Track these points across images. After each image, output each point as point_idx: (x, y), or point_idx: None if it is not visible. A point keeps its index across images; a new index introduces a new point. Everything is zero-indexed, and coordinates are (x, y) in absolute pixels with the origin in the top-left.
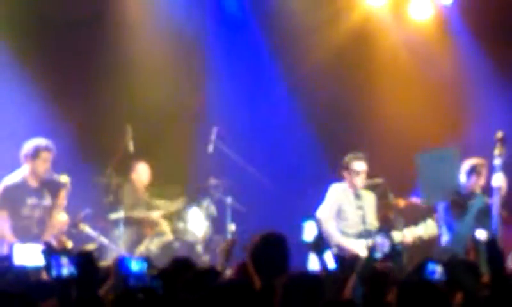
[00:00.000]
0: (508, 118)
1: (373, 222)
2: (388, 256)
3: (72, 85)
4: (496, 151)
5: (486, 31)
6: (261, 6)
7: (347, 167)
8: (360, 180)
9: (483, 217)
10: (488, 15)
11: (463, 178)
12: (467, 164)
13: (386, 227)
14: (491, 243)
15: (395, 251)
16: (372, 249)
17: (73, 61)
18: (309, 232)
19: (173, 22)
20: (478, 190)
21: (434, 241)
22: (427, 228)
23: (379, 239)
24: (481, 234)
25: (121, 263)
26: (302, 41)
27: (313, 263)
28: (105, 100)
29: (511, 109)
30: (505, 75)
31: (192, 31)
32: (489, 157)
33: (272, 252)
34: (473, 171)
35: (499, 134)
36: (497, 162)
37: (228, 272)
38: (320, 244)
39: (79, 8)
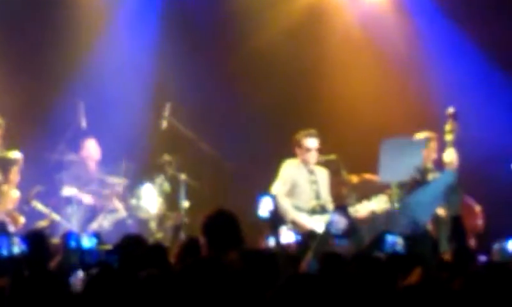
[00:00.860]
0: (462, 93)
1: (327, 198)
2: (345, 234)
3: (24, 60)
4: (448, 127)
5: (442, 7)
6: None
7: (299, 144)
8: (312, 157)
9: (452, 193)
10: None
11: None
12: (417, 137)
13: (343, 204)
14: (455, 221)
15: (353, 229)
16: (328, 226)
17: (25, 35)
18: (264, 207)
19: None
20: (429, 164)
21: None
22: (379, 202)
23: (336, 217)
24: (442, 211)
25: (69, 238)
26: (254, 18)
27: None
28: (57, 75)
29: (468, 85)
30: (461, 52)
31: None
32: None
33: (224, 227)
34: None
35: (450, 110)
36: (448, 137)
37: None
38: (276, 219)
39: None
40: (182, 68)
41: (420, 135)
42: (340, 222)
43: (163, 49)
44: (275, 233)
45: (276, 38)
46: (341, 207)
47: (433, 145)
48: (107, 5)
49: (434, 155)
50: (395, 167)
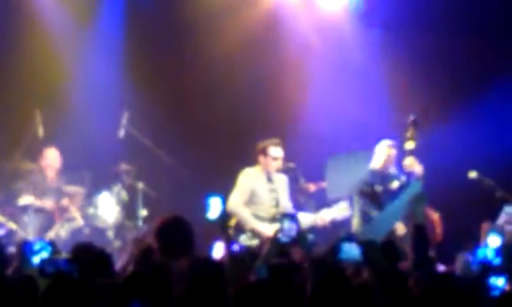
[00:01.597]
0: (423, 103)
1: (287, 204)
2: (294, 240)
3: None
4: (408, 134)
5: (398, 20)
6: None
7: (264, 152)
8: (276, 165)
9: (417, 202)
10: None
11: (375, 161)
12: (378, 146)
13: (292, 212)
14: (418, 230)
15: (302, 236)
16: (277, 233)
17: None
18: (214, 210)
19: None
20: (392, 170)
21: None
22: (339, 210)
23: (286, 224)
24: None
25: (24, 247)
26: (212, 25)
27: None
28: (13, 84)
29: (427, 96)
30: (418, 63)
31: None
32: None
33: (176, 233)
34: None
35: (411, 117)
36: (408, 145)
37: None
38: (225, 221)
39: None
40: (139, 76)
41: (380, 144)
42: (291, 230)
43: (121, 58)
44: (225, 235)
45: (233, 47)
46: (290, 214)
47: (392, 153)
48: (67, 15)
49: (393, 163)
50: (342, 182)
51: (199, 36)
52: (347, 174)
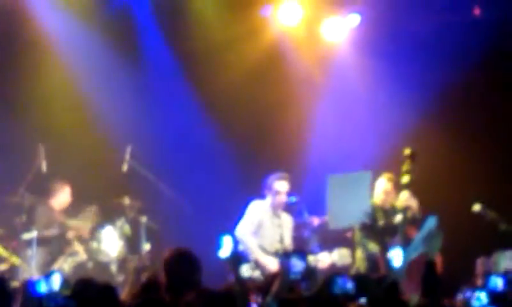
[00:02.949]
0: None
1: (289, 243)
2: (302, 277)
3: None
4: (404, 168)
5: (399, 51)
6: (172, 22)
7: (269, 187)
8: (280, 199)
9: (432, 238)
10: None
11: (376, 196)
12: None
13: (302, 249)
14: (430, 266)
15: (310, 272)
16: (286, 270)
17: None
18: (226, 248)
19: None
20: (395, 203)
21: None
22: (341, 257)
23: (294, 260)
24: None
25: (29, 285)
26: (215, 58)
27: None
28: (17, 118)
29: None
30: (418, 95)
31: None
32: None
33: (181, 267)
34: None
35: (407, 150)
36: (404, 179)
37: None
38: (237, 259)
39: None
40: (142, 110)
41: (379, 180)
42: (297, 266)
43: (124, 91)
44: (236, 272)
45: (235, 79)
46: (298, 251)
47: (390, 187)
48: (69, 47)
49: (393, 196)
50: (343, 212)
51: (201, 69)
52: (347, 199)
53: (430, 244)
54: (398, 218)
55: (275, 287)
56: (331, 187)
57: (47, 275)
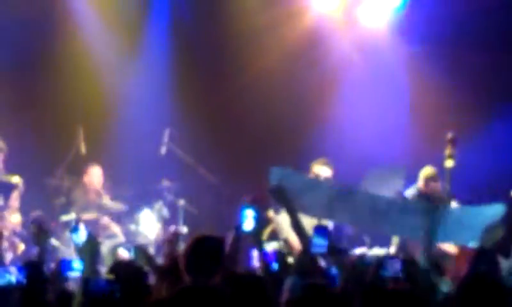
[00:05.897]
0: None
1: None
2: (326, 254)
3: (22, 84)
4: (447, 152)
5: (438, 36)
6: (210, 6)
7: (311, 171)
8: None
9: (494, 229)
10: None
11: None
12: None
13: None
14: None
15: (333, 249)
16: (308, 247)
17: (24, 58)
18: (248, 221)
19: (121, 25)
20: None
21: None
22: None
23: (316, 236)
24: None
25: (62, 265)
26: (254, 41)
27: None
28: (56, 100)
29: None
30: (458, 80)
31: (140, 32)
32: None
33: (202, 254)
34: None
35: (449, 135)
36: (448, 164)
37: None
38: (260, 231)
39: (27, 7)
40: (182, 93)
41: (423, 172)
42: (321, 243)
43: (164, 75)
44: (259, 246)
45: (274, 63)
46: (322, 227)
47: (437, 178)
48: (112, 33)
49: (438, 189)
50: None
51: (241, 53)
52: (381, 191)
53: (489, 235)
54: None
55: (296, 264)
56: (368, 178)
57: (74, 228)
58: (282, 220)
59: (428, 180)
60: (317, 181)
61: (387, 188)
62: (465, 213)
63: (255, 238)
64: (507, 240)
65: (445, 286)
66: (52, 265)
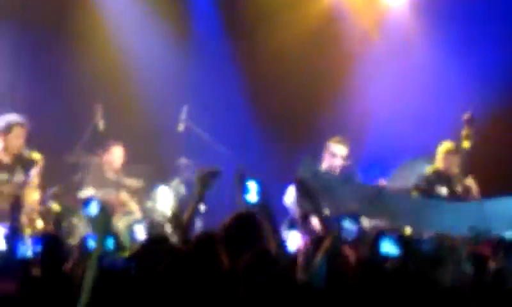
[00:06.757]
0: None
1: None
2: (354, 241)
3: (41, 61)
4: (464, 132)
5: (460, 12)
6: None
7: (327, 148)
8: (337, 163)
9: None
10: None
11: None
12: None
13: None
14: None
15: (363, 237)
16: (339, 233)
17: (42, 35)
18: (252, 193)
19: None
20: (455, 171)
21: None
22: None
23: (347, 224)
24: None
25: (86, 240)
26: (272, 19)
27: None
28: (75, 77)
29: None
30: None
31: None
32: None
33: (242, 231)
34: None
35: (467, 115)
36: (465, 145)
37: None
38: (266, 206)
39: None
40: (198, 71)
41: (442, 147)
42: (352, 232)
43: (180, 54)
44: (267, 217)
45: (293, 41)
46: (352, 215)
47: (455, 159)
48: (125, 8)
49: (457, 165)
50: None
51: (260, 29)
52: (407, 182)
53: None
54: (459, 186)
55: (324, 249)
56: (397, 174)
57: (86, 202)
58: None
59: (447, 154)
60: (342, 181)
61: (413, 175)
62: (501, 205)
63: (261, 210)
64: None
65: (467, 268)
66: (73, 241)
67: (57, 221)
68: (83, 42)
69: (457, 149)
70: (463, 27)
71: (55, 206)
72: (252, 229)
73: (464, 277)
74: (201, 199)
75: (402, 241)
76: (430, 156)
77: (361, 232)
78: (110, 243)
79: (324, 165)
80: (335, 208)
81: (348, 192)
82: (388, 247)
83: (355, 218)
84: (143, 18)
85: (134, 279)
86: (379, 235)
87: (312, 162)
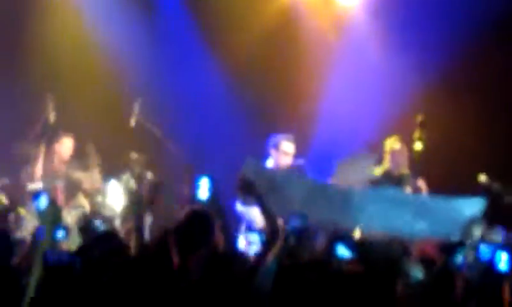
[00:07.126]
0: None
1: None
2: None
3: None
4: (416, 135)
5: (414, 15)
6: None
7: (275, 147)
8: (286, 161)
9: (473, 225)
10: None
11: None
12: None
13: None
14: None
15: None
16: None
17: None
18: (203, 190)
19: None
20: (405, 170)
21: None
22: None
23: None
24: None
25: (39, 233)
26: (231, 15)
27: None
28: (26, 67)
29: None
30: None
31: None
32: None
33: (193, 229)
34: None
35: (418, 117)
36: (416, 147)
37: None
38: (217, 200)
39: None
40: (155, 63)
41: (389, 141)
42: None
43: (137, 43)
44: (220, 215)
45: (250, 40)
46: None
47: (397, 148)
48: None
49: (405, 160)
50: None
51: (218, 26)
52: (352, 181)
53: (467, 231)
54: (408, 190)
55: (276, 250)
56: (340, 167)
57: (36, 195)
58: (251, 212)
59: (393, 152)
60: (289, 179)
61: (361, 175)
62: (446, 206)
63: (212, 207)
64: None
65: (418, 273)
66: (20, 234)
67: (4, 214)
68: (35, 30)
69: (402, 147)
70: (417, 29)
71: (2, 199)
72: (204, 227)
73: (415, 282)
74: (141, 220)
75: (356, 244)
76: (371, 153)
77: (306, 229)
78: (59, 235)
79: (272, 163)
80: (280, 207)
81: (294, 191)
82: (343, 250)
83: (350, 244)
84: (106, 8)
85: (78, 274)
86: (334, 238)
87: (256, 162)
